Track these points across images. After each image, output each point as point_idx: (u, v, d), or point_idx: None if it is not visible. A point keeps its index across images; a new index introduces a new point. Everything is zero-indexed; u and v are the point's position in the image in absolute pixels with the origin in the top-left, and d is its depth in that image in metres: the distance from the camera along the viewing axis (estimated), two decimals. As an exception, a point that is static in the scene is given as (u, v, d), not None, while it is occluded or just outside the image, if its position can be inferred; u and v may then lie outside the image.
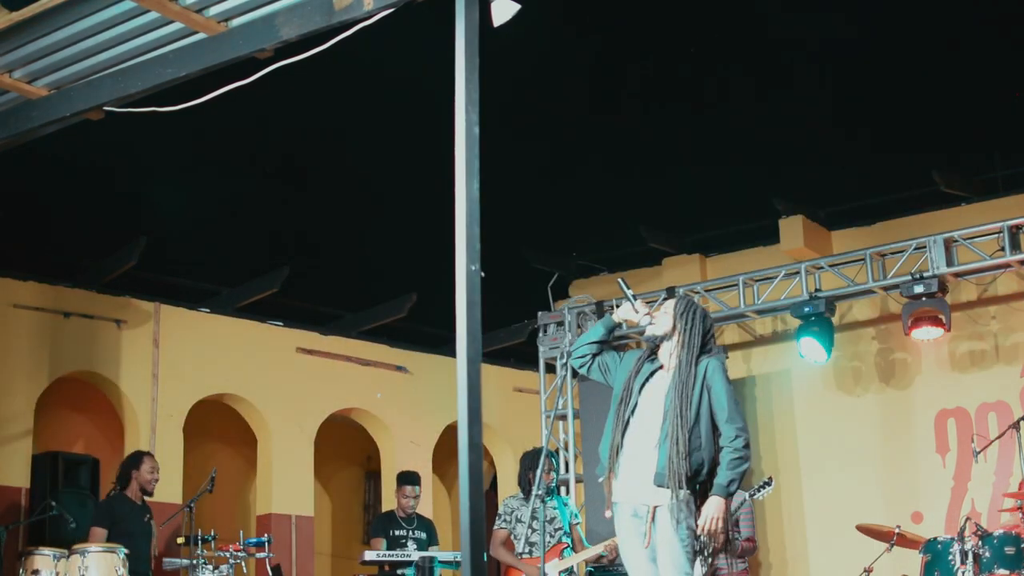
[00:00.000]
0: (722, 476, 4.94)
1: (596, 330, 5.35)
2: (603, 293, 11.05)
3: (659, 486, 4.90)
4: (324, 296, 11.00)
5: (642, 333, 5.28)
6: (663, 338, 5.16)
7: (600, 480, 5.13)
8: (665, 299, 5.38)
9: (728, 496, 4.92)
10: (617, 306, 5.31)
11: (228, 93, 5.22)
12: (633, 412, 5.07)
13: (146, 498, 8.03)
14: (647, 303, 5.36)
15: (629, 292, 5.29)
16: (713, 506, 4.90)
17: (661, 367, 5.16)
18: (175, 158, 8.54)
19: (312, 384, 10.79)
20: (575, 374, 10.67)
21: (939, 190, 9.52)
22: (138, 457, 8.14)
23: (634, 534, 5.02)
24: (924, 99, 8.47)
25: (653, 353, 5.21)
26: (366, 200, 9.64)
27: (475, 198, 4.26)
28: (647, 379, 5.13)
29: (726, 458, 4.96)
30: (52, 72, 5.73)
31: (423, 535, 8.55)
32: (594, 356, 5.31)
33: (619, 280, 5.35)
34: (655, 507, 4.94)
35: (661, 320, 5.17)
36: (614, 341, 5.36)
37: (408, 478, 8.72)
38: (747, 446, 4.99)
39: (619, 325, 5.36)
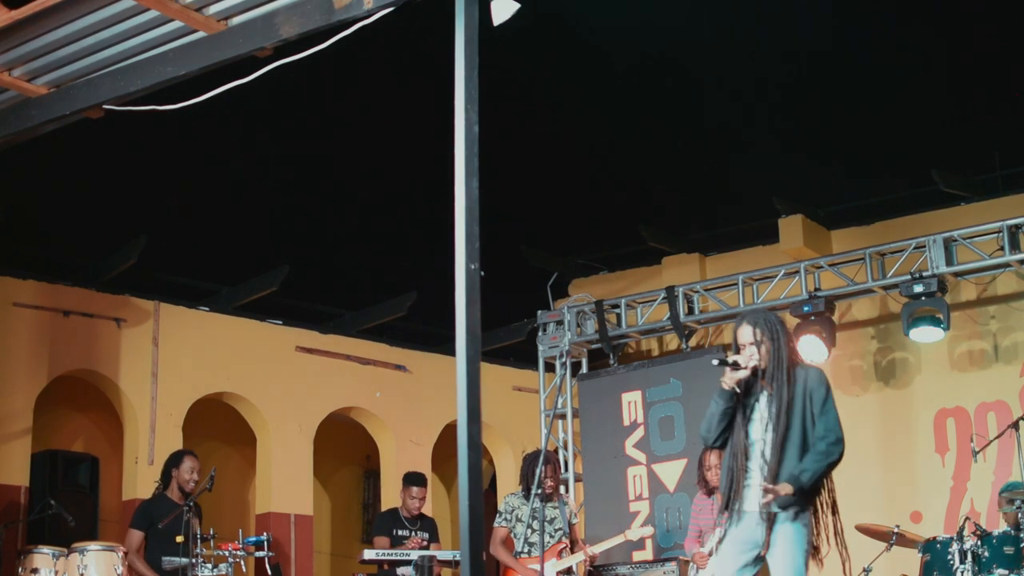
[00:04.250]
0: (798, 465, 4.92)
1: (719, 409, 5.08)
2: (603, 292, 11.06)
3: (781, 507, 4.93)
4: (324, 295, 11.00)
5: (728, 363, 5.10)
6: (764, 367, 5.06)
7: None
8: (737, 327, 5.14)
9: (797, 485, 4.88)
10: (727, 363, 5.05)
11: (227, 92, 5.22)
12: (747, 449, 5.05)
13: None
14: (725, 351, 5.19)
15: (726, 357, 5.09)
16: (777, 488, 4.87)
17: (759, 396, 5.09)
18: (175, 157, 8.54)
19: (312, 383, 10.78)
20: (574, 373, 10.69)
21: (939, 190, 9.52)
22: (178, 456, 7.92)
23: (736, 550, 5.04)
24: (924, 99, 8.47)
25: (748, 383, 5.09)
26: (366, 199, 9.65)
27: (475, 197, 4.27)
28: (751, 414, 5.08)
29: (812, 451, 4.96)
30: (52, 70, 5.74)
31: (425, 535, 8.52)
32: (728, 426, 5.12)
33: (713, 361, 5.11)
34: (774, 514, 4.95)
35: (755, 354, 5.04)
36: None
37: (415, 479, 8.64)
38: (837, 443, 4.96)
39: (735, 391, 5.07)
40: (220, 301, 10.41)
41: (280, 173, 9.17)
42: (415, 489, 8.55)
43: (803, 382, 5.03)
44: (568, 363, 10.51)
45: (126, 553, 7.33)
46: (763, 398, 5.08)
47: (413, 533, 8.46)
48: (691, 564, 7.51)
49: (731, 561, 5.06)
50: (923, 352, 9.50)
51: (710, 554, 7.30)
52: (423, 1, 4.63)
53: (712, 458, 7.57)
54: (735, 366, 5.03)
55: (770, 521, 4.94)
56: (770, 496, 4.88)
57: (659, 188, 9.69)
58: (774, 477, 4.91)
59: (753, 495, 5.00)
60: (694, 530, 7.63)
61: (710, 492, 7.61)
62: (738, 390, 5.05)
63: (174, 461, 7.89)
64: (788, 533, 4.94)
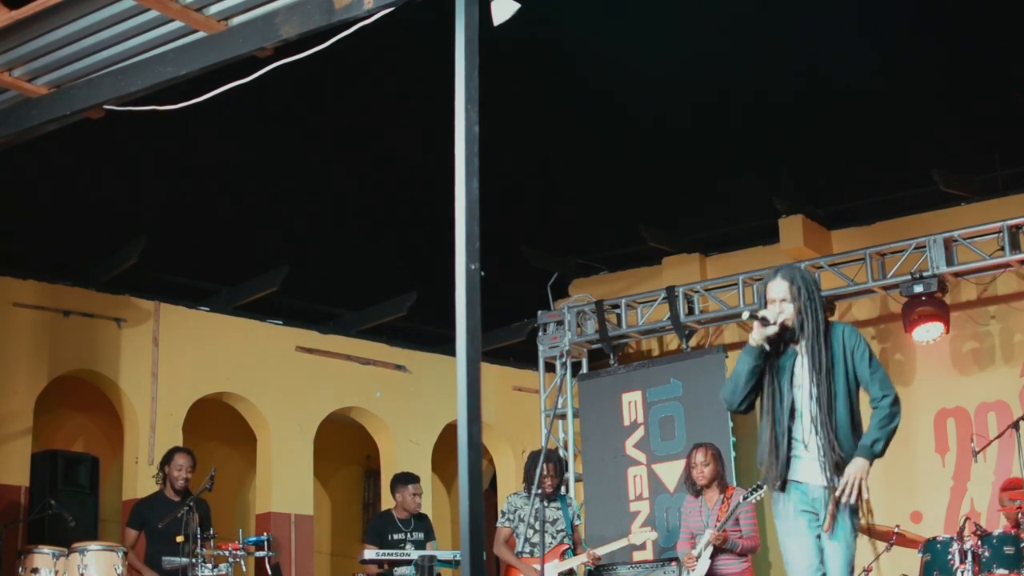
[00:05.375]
0: (867, 436, 4.78)
1: (746, 367, 4.82)
2: (603, 292, 11.06)
3: (836, 474, 4.74)
4: (324, 295, 11.00)
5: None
6: (793, 326, 4.82)
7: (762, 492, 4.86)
8: (769, 281, 4.90)
9: (872, 457, 4.75)
10: (757, 317, 4.80)
11: (227, 92, 5.22)
12: (791, 413, 4.81)
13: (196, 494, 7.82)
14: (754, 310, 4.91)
15: (756, 311, 4.85)
16: (855, 467, 4.70)
17: (796, 353, 4.87)
18: (175, 157, 8.54)
19: (312, 383, 10.78)
20: (574, 373, 10.69)
21: (939, 190, 9.52)
22: (170, 453, 8.02)
23: (806, 521, 4.82)
24: (924, 99, 8.47)
25: (778, 342, 4.86)
26: (366, 199, 9.65)
27: (475, 197, 4.27)
28: (791, 372, 4.84)
29: (875, 417, 4.80)
30: (52, 70, 5.73)
31: (420, 536, 8.52)
32: (755, 388, 4.87)
33: (744, 314, 4.90)
34: (829, 487, 4.76)
35: (786, 309, 4.82)
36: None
37: (411, 477, 8.68)
38: (896, 402, 4.83)
39: (764, 349, 4.83)
40: (220, 301, 10.41)
41: (281, 173, 9.16)
42: (412, 486, 8.57)
43: (840, 339, 4.84)
44: (568, 363, 10.51)
45: (127, 553, 7.33)
46: (799, 360, 4.85)
47: (408, 535, 8.45)
48: (682, 566, 7.51)
49: (807, 534, 4.80)
50: (923, 352, 9.49)
51: (698, 556, 7.29)
52: (423, 1, 4.63)
53: (699, 456, 7.58)
54: (764, 321, 4.78)
55: (834, 499, 4.74)
56: (854, 494, 4.67)
57: (659, 188, 9.68)
58: (830, 446, 4.71)
59: (804, 466, 4.78)
60: (685, 532, 7.63)
61: (697, 493, 7.61)
62: (767, 347, 4.82)
63: (166, 458, 8.00)
64: (847, 514, 4.75)
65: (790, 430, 4.82)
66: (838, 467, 4.74)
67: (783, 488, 4.84)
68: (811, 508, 4.81)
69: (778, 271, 4.93)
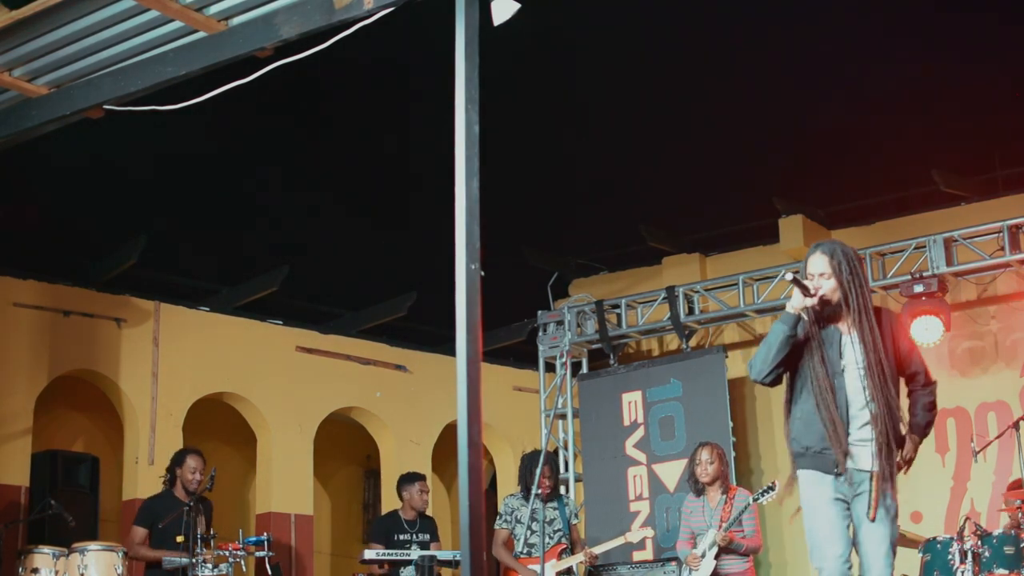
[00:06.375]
0: (921, 417, 4.75)
1: (780, 335, 4.62)
2: (603, 292, 11.06)
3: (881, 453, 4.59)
4: (324, 295, 11.01)
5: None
6: (835, 303, 4.65)
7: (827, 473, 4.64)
8: (809, 256, 4.72)
9: (925, 437, 4.74)
10: (801, 283, 4.62)
11: (227, 92, 5.23)
12: (836, 393, 4.61)
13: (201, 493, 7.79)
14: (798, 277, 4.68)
15: (802, 280, 4.64)
16: (913, 445, 4.69)
17: (840, 332, 4.68)
18: (175, 156, 8.54)
19: (312, 383, 10.78)
20: (574, 373, 10.68)
21: (939, 190, 9.52)
22: (182, 455, 7.94)
23: (839, 509, 4.65)
24: (923, 98, 8.47)
25: (818, 319, 4.68)
26: (366, 199, 9.65)
27: (475, 197, 4.27)
28: (839, 351, 4.65)
29: (922, 400, 4.77)
30: (52, 70, 5.74)
31: (427, 537, 8.54)
32: (785, 361, 4.66)
33: (787, 275, 4.65)
34: (875, 472, 4.61)
35: (825, 284, 4.64)
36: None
37: (416, 475, 8.76)
38: (935, 384, 4.82)
39: (800, 318, 4.64)
40: (220, 301, 10.41)
41: (280, 173, 9.17)
42: (419, 484, 8.63)
43: (885, 320, 4.73)
44: (568, 363, 10.51)
45: (126, 553, 7.34)
46: (846, 339, 4.67)
47: (414, 535, 8.46)
48: (684, 566, 7.51)
49: (840, 523, 4.64)
50: (923, 352, 9.47)
51: (703, 556, 7.30)
52: (423, 1, 4.63)
53: (703, 454, 7.58)
54: (805, 291, 4.59)
55: (878, 483, 4.58)
56: (906, 468, 4.65)
57: (659, 188, 9.68)
58: (887, 429, 4.57)
59: (852, 451, 4.60)
60: (685, 531, 7.63)
61: (700, 492, 7.61)
62: (804, 316, 4.64)
63: (178, 460, 7.93)
64: (891, 498, 4.62)
65: (847, 419, 4.62)
66: (891, 453, 4.61)
67: (839, 474, 4.62)
68: (845, 496, 4.65)
69: (818, 246, 4.77)
